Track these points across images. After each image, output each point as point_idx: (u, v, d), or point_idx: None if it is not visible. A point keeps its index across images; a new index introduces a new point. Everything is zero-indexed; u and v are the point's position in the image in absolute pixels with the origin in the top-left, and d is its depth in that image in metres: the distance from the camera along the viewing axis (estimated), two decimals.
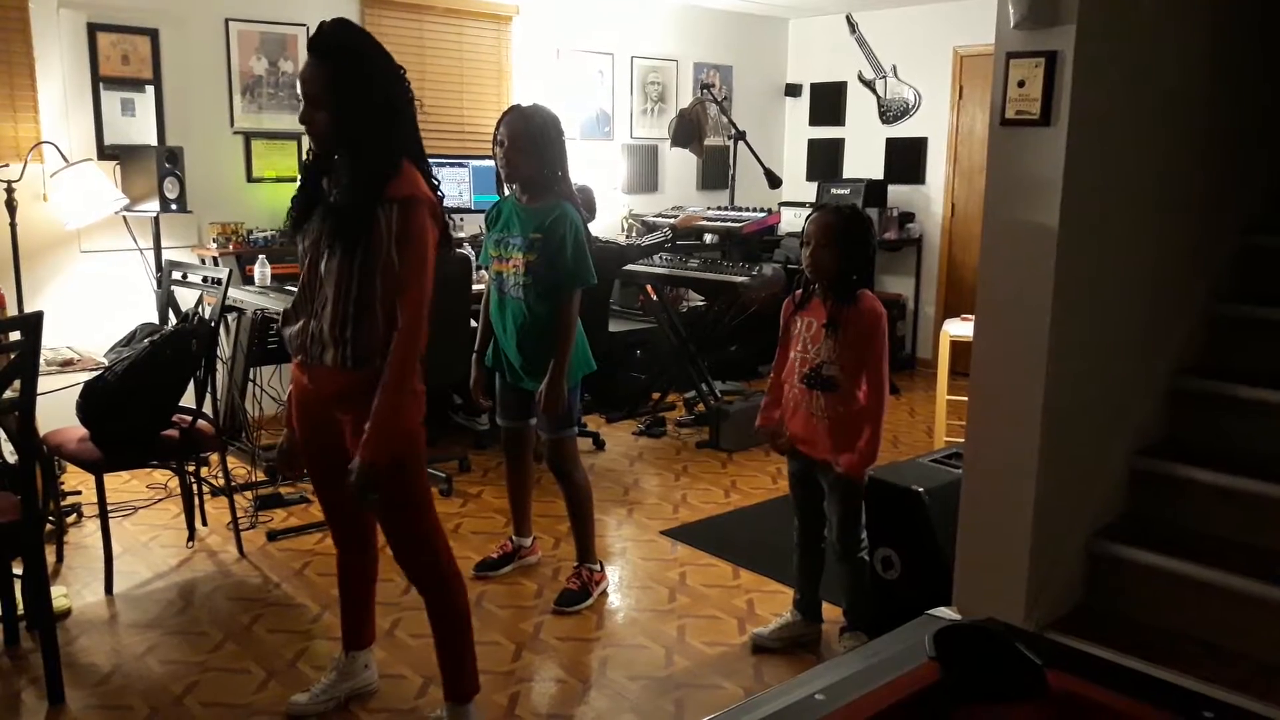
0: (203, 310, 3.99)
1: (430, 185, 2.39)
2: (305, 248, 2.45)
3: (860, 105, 7.60)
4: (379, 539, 2.77)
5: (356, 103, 2.29)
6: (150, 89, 5.02)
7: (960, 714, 1.47)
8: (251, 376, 4.87)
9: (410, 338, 2.33)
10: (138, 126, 4.99)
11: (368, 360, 2.36)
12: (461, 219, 5.71)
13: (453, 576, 2.58)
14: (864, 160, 7.61)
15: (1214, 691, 2.47)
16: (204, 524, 4.07)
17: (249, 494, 4.28)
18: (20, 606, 3.08)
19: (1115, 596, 3.06)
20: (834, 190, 7.13)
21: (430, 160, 2.48)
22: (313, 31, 2.34)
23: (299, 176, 2.52)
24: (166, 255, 4.74)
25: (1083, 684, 1.45)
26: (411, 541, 2.52)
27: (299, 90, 2.36)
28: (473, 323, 4.06)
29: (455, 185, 5.77)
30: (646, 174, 7.31)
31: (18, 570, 2.91)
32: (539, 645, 3.20)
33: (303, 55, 2.56)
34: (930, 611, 1.67)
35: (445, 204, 2.49)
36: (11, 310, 4.24)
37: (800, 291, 3.09)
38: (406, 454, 2.42)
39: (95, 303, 4.84)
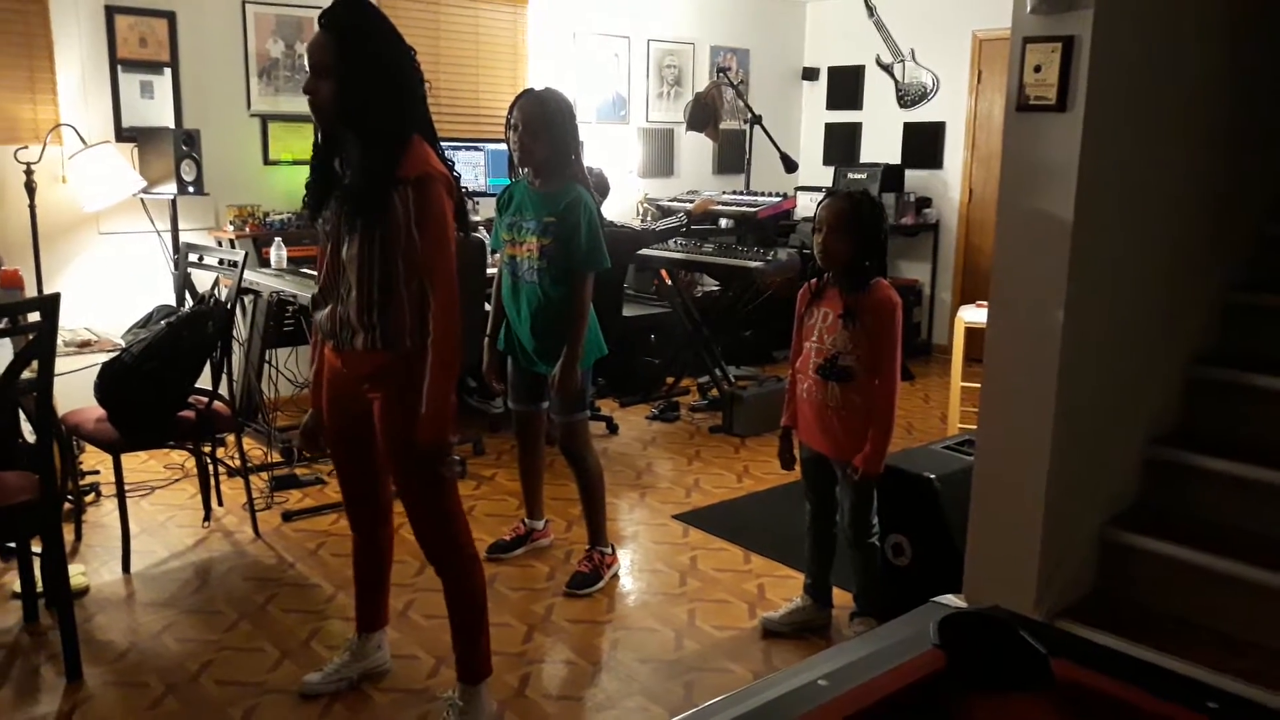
0: (219, 292, 4.01)
1: (444, 162, 2.39)
2: (326, 232, 2.46)
3: (878, 89, 7.55)
4: (395, 520, 2.79)
5: (362, 73, 2.28)
6: (168, 71, 5.04)
7: (965, 702, 1.47)
8: (267, 358, 4.90)
9: (447, 315, 2.35)
10: (155, 109, 5.01)
11: (398, 341, 2.39)
12: (477, 202, 5.71)
13: (472, 558, 2.59)
14: (881, 145, 7.56)
15: (1225, 681, 2.47)
16: (220, 504, 4.11)
17: (265, 475, 4.32)
18: (39, 584, 3.13)
19: (1127, 585, 3.05)
20: (851, 175, 7.11)
21: (445, 144, 2.48)
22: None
23: (311, 160, 2.51)
24: (184, 237, 4.77)
25: (1088, 673, 1.45)
26: (434, 520, 2.53)
27: (305, 63, 2.36)
28: (486, 306, 4.07)
29: (470, 169, 5.77)
30: (662, 158, 7.29)
31: (37, 548, 2.95)
32: (550, 627, 3.23)
33: None
34: (935, 599, 1.67)
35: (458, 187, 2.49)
36: (31, 291, 4.28)
37: (816, 281, 3.07)
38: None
39: (113, 284, 4.87)
